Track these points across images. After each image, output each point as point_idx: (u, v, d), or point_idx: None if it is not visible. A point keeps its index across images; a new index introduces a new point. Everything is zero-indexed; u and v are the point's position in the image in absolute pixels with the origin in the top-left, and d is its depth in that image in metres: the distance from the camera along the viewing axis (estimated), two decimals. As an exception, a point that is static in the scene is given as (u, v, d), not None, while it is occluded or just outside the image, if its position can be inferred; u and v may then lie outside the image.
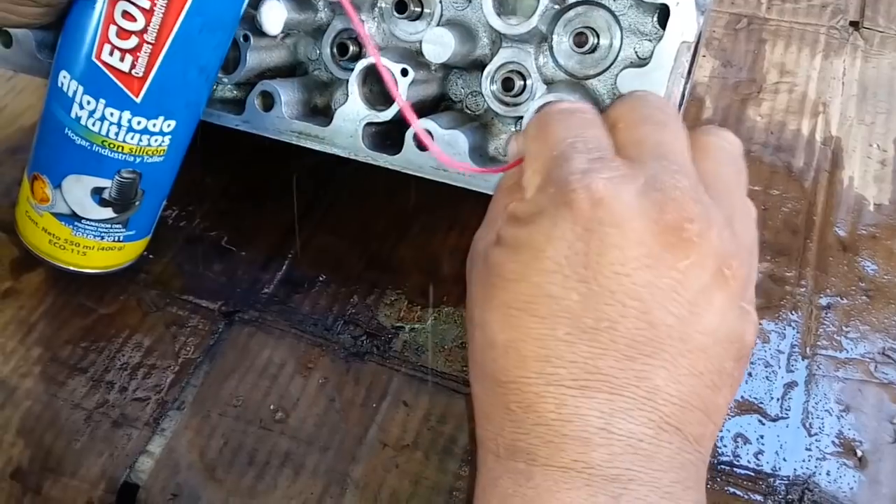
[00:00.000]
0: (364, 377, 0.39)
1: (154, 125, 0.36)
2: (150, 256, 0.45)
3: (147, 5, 0.33)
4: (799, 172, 0.45)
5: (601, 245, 0.23)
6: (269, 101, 0.41)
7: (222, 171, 0.50)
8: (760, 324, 0.39)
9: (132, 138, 0.36)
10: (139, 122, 0.36)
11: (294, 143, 0.41)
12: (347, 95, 0.39)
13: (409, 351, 0.40)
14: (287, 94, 0.40)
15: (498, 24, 0.35)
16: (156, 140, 0.37)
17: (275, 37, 0.42)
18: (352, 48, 0.41)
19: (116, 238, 0.40)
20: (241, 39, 0.41)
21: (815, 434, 0.35)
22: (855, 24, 0.53)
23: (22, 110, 0.55)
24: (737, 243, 0.24)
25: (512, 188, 0.28)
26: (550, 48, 0.37)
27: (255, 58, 0.41)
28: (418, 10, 0.39)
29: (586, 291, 0.23)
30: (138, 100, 0.35)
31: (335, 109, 0.40)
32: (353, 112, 0.39)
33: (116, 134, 0.36)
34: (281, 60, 0.43)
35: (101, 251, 0.40)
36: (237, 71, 0.41)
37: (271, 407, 0.39)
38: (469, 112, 0.41)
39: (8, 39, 0.45)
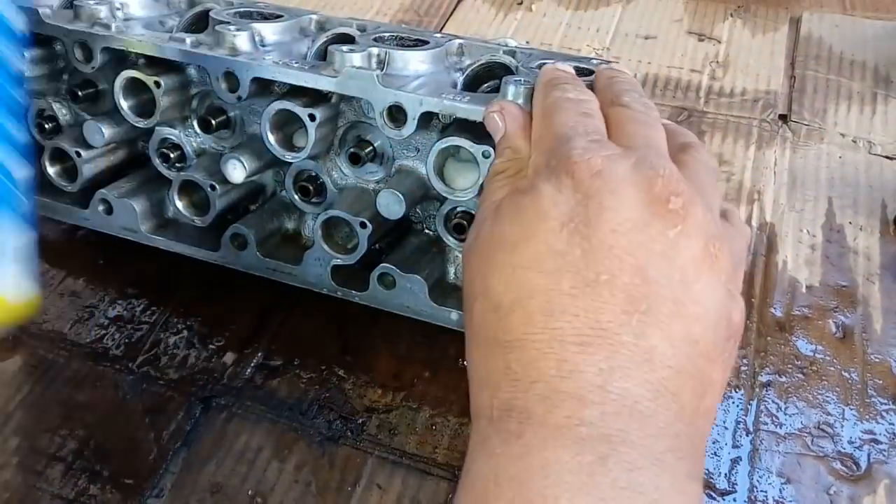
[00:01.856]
0: (339, 461, 0.41)
1: None
2: (127, 342, 0.47)
3: None
4: (738, 256, 0.49)
5: (599, 208, 0.26)
6: (241, 241, 0.44)
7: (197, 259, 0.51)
8: (708, 402, 0.42)
9: None
10: None
11: (268, 277, 0.44)
12: (314, 240, 0.43)
13: (382, 433, 0.42)
14: (259, 233, 0.44)
15: (441, 188, 0.40)
16: None
17: None
18: (312, 188, 0.44)
19: None
20: (209, 189, 0.44)
21: (760, 506, 0.38)
22: (784, 118, 0.58)
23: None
24: (720, 229, 0.26)
25: (506, 173, 0.31)
26: None
27: (224, 201, 0.44)
28: (371, 155, 0.43)
29: (588, 247, 0.25)
30: None
31: (305, 237, 0.43)
32: (321, 256, 0.42)
33: None
34: (247, 194, 0.47)
35: None
36: (208, 214, 0.45)
37: (249, 492, 0.40)
38: (429, 233, 0.45)
39: None
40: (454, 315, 0.41)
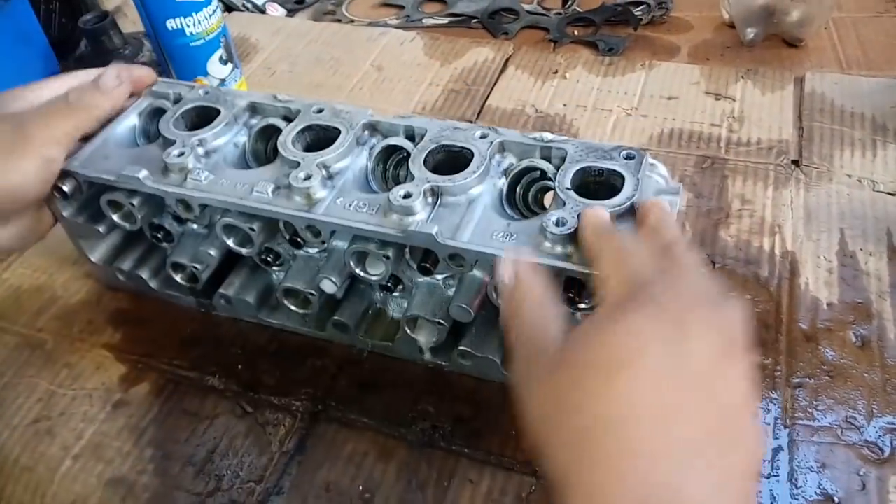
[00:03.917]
0: (435, 461, 0.48)
1: None
2: (240, 367, 0.54)
3: None
4: (765, 280, 0.57)
5: (687, 338, 0.32)
6: (343, 326, 0.54)
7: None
8: (749, 402, 0.49)
9: None
10: None
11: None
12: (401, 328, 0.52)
13: (469, 438, 0.49)
14: (354, 317, 0.54)
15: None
16: None
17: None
18: (392, 285, 0.51)
19: None
20: (310, 295, 0.52)
21: (801, 487, 0.45)
22: (796, 162, 0.67)
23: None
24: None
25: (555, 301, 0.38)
26: None
27: (322, 299, 0.52)
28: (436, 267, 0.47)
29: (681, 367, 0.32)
30: None
31: (391, 314, 0.55)
32: (408, 340, 0.52)
33: None
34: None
35: None
36: (311, 308, 0.53)
37: (359, 488, 0.47)
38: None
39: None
40: None
